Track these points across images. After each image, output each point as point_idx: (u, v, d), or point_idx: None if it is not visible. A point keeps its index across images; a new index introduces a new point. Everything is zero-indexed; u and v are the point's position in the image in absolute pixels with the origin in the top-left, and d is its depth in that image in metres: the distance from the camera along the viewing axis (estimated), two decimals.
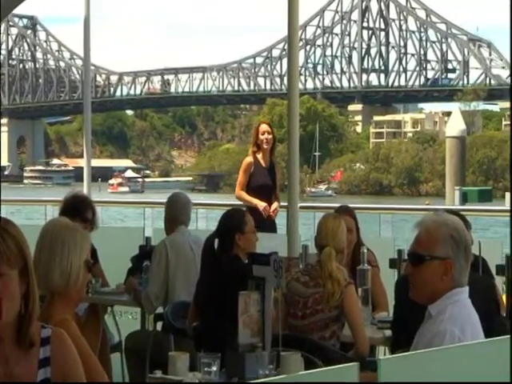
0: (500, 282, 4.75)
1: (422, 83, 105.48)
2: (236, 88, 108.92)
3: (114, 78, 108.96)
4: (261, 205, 6.86)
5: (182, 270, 5.23)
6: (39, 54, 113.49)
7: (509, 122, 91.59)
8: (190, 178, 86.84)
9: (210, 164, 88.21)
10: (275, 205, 6.99)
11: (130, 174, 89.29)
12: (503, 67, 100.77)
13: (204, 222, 8.74)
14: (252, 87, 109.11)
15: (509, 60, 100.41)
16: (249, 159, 7.13)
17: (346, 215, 5.04)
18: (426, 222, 2.92)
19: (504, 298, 4.46)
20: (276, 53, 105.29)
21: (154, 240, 5.97)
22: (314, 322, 4.18)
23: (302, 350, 3.57)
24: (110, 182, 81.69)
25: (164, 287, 5.21)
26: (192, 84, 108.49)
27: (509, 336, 2.36)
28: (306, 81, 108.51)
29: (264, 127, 7.13)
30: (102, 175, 68.94)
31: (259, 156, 7.10)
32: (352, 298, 4.19)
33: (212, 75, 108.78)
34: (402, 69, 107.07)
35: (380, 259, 5.21)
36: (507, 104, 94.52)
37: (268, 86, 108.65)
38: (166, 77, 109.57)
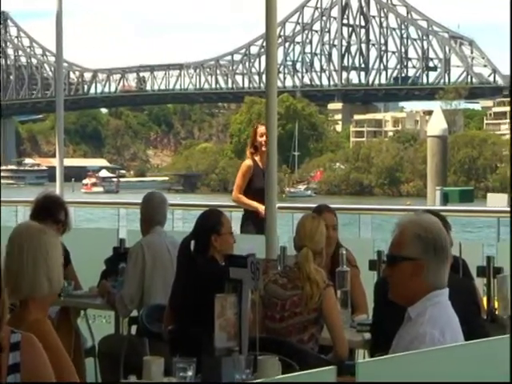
0: (481, 283, 4.79)
1: (402, 81, 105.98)
2: (213, 86, 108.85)
3: (87, 76, 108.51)
4: (261, 208, 6.68)
5: (159, 271, 5.22)
6: (10, 51, 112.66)
7: (491, 121, 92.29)
8: (166, 178, 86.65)
9: (186, 163, 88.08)
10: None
11: (104, 173, 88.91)
12: (485, 65, 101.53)
13: (180, 223, 8.72)
14: (230, 85, 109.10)
15: (491, 58, 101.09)
16: (248, 162, 7.10)
17: (327, 213, 5.05)
18: (400, 223, 2.96)
19: (484, 300, 4.50)
20: (254, 50, 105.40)
21: (128, 242, 5.94)
22: (292, 324, 4.19)
23: (279, 354, 3.58)
24: (84, 181, 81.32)
25: (140, 290, 5.19)
26: (168, 81, 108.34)
27: (489, 339, 2.39)
28: (284, 79, 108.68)
29: (262, 129, 6.97)
30: (75, 175, 68.60)
31: (257, 158, 7.08)
32: (331, 300, 4.20)
33: (189, 72, 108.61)
34: (382, 67, 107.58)
35: (359, 261, 5.23)
36: (489, 103, 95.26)
37: (246, 84, 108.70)
38: (141, 74, 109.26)
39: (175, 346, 4.10)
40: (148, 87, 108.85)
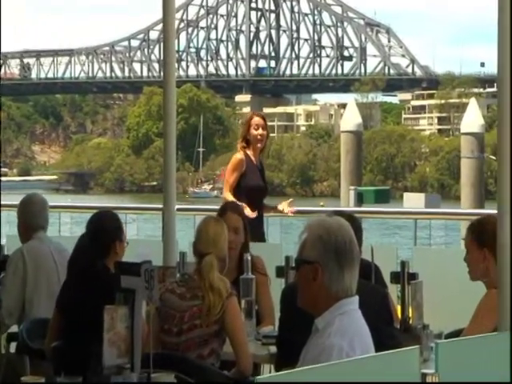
0: (395, 290, 4.89)
1: (316, 72, 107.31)
2: (108, 74, 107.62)
3: None
4: (250, 213, 6.35)
5: (42, 281, 5.14)
6: None
7: (409, 116, 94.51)
8: (55, 177, 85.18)
9: (78, 161, 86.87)
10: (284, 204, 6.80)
11: None
12: (403, 55, 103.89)
13: (68, 227, 8.60)
14: (127, 74, 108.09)
15: (409, 47, 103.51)
16: (240, 156, 6.70)
17: (231, 213, 5.07)
18: (307, 225, 3.01)
19: (398, 308, 4.60)
20: (154, 35, 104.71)
21: (7, 248, 5.83)
22: (191, 338, 4.19)
23: (176, 371, 3.57)
24: None
25: (20, 302, 5.10)
26: (57, 69, 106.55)
27: (400, 350, 2.45)
28: (188, 67, 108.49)
29: (257, 121, 6.69)
30: None
31: (250, 153, 6.70)
32: (234, 310, 4.22)
33: (80, 59, 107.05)
34: (294, 56, 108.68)
35: (267, 267, 5.27)
36: (407, 96, 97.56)
37: (145, 73, 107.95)
38: (25, 60, 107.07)
39: (60, 364, 4.04)
40: (33, 75, 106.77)
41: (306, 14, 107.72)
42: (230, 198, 6.60)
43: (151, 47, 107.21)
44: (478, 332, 3.51)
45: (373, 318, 3.15)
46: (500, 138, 2.84)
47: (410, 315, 4.24)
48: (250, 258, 4.76)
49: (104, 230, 4.52)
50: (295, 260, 3.02)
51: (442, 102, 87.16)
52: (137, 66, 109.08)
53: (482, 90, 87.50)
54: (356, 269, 2.95)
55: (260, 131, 6.64)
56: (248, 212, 6.35)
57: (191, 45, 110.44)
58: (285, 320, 3.96)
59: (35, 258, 5.16)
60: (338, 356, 2.80)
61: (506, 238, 2.83)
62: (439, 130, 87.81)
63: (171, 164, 5.28)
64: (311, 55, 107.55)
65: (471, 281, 4.12)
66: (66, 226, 8.62)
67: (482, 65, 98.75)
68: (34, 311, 5.07)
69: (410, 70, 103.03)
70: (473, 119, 24.80)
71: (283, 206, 6.82)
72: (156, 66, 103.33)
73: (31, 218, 5.27)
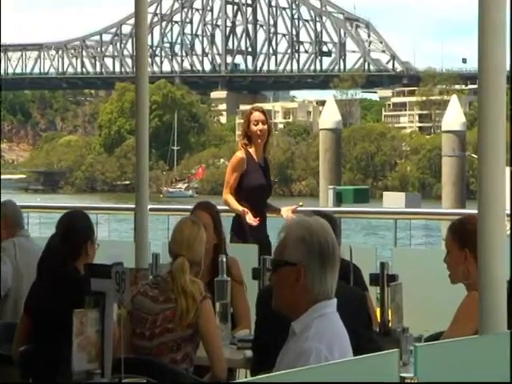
0: (374, 292, 4.91)
1: (293, 68, 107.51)
2: (79, 70, 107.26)
3: None
4: (249, 216, 6.26)
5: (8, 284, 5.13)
6: None
7: (389, 113, 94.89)
8: (23, 176, 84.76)
9: (47, 159, 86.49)
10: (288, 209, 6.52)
11: None
12: (383, 51, 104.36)
13: (37, 228, 8.57)
14: (98, 69, 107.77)
15: (389, 43, 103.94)
16: (240, 155, 6.56)
17: (200, 211, 5.06)
18: (285, 225, 3.01)
19: (378, 311, 4.61)
20: (127, 29, 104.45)
21: None
22: (163, 342, 4.18)
23: (148, 376, 3.57)
24: None
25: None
26: (25, 64, 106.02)
27: (379, 353, 2.45)
28: (162, 63, 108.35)
29: (257, 116, 6.55)
30: None
31: (251, 150, 6.56)
32: (208, 314, 4.21)
33: (50, 54, 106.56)
34: (271, 51, 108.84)
35: (243, 269, 5.28)
36: (387, 92, 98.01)
37: (117, 68, 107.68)
38: None
39: (28, 369, 4.02)
40: (1, 70, 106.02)
41: (284, 8, 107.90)
42: (231, 199, 6.48)
43: (124, 42, 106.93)
44: (459, 335, 3.53)
45: (351, 321, 3.16)
46: (480, 136, 2.85)
47: (390, 318, 4.26)
48: (224, 259, 4.75)
49: (75, 231, 4.51)
50: (274, 261, 3.01)
51: (423, 98, 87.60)
52: (109, 62, 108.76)
53: (463, 86, 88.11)
54: (337, 270, 2.96)
55: (260, 126, 6.51)
56: (250, 219, 6.27)
57: (165, 40, 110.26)
58: (261, 323, 3.95)
59: (26, 254, 5.20)
60: (316, 360, 2.81)
61: (486, 239, 2.85)
62: (420, 128, 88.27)
63: (144, 162, 5.28)
64: (289, 51, 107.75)
65: (452, 284, 4.14)
66: (35, 227, 8.59)
67: (464, 61, 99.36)
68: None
69: (390, 65, 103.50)
70: (454, 117, 24.93)
71: (287, 212, 6.55)
72: (129, 61, 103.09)
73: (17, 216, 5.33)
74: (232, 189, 6.51)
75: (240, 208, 6.37)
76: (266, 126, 6.55)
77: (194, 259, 4.30)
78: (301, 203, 8.24)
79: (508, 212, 5.31)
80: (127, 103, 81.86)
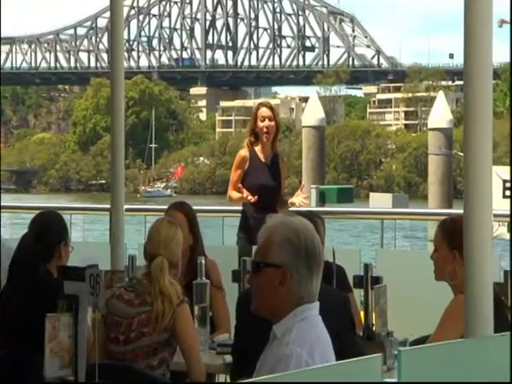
0: (358, 295, 4.92)
1: (275, 63, 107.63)
2: (52, 64, 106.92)
3: None
4: (251, 199, 6.26)
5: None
6: None
7: (374, 110, 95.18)
8: None
9: (20, 157, 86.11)
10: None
11: None
12: (368, 46, 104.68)
13: (8, 229, 8.53)
14: (73, 64, 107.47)
15: (374, 37, 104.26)
16: (243, 153, 6.56)
17: (175, 211, 5.06)
18: (268, 225, 2.99)
19: (362, 313, 4.63)
20: (102, 23, 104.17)
21: None
22: (139, 347, 4.18)
23: (123, 382, 3.56)
24: None
25: None
26: None
27: (361, 358, 2.46)
28: (139, 57, 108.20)
29: (264, 112, 6.50)
30: None
31: (257, 148, 6.53)
32: (185, 317, 4.21)
33: (22, 48, 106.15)
34: (252, 46, 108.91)
35: (223, 271, 5.28)
36: (372, 88, 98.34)
37: (92, 63, 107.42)
38: None
39: None
40: None
41: (266, 2, 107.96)
42: (234, 194, 6.48)
43: (99, 35, 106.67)
44: (445, 339, 3.54)
45: (334, 325, 3.16)
46: (466, 133, 2.86)
47: (374, 321, 4.27)
48: (203, 261, 4.75)
49: (48, 231, 4.49)
50: (256, 263, 2.99)
51: (409, 95, 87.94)
52: (83, 56, 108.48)
53: (450, 82, 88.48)
54: (321, 273, 2.96)
55: (266, 122, 6.45)
56: (252, 200, 6.24)
57: (142, 33, 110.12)
58: (241, 327, 3.95)
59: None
60: (297, 365, 2.81)
61: (472, 240, 2.86)
62: (406, 125, 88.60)
63: (119, 161, 5.27)
64: (271, 45, 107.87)
65: (436, 281, 4.15)
66: (7, 228, 8.55)
67: (451, 56, 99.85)
68: None
69: (375, 61, 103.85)
70: (441, 114, 25.04)
71: (298, 199, 6.53)
72: (104, 55, 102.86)
73: None
74: (235, 187, 6.52)
75: (244, 195, 6.36)
76: (273, 123, 6.50)
77: (172, 260, 4.31)
78: (303, 182, 8.28)
79: (498, 212, 5.35)
80: (103, 99, 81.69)
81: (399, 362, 2.30)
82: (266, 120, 6.46)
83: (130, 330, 4.19)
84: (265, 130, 6.46)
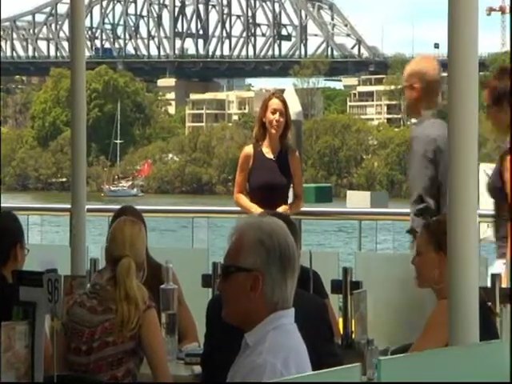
0: (336, 301, 4.94)
1: (249, 53, 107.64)
2: (9, 54, 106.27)
3: None
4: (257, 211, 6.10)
5: None
6: None
7: (355, 103, 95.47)
8: None
9: None
10: (283, 207, 6.29)
11: None
12: (348, 35, 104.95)
13: None
14: (31, 53, 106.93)
15: (355, 26, 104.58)
16: (246, 149, 6.54)
17: (131, 216, 5.06)
18: (238, 227, 2.99)
19: (340, 321, 4.65)
20: (62, 9, 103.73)
21: None
22: (103, 357, 4.18)
23: None
24: None
25: None
26: None
27: (340, 367, 2.47)
28: (102, 46, 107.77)
29: (275, 103, 6.44)
30: None
31: (264, 143, 6.48)
32: (152, 325, 4.21)
33: None
34: (225, 34, 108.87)
35: (191, 275, 5.29)
36: (353, 80, 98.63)
37: (52, 53, 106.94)
38: None
39: None
40: None
41: None
42: (242, 200, 6.46)
43: (59, 22, 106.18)
44: (429, 347, 3.56)
45: (311, 333, 3.18)
46: (450, 128, 2.88)
47: (353, 329, 4.29)
48: (171, 265, 4.76)
49: (2, 232, 4.47)
50: (225, 267, 2.99)
51: (392, 87, 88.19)
52: (43, 45, 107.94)
53: None
54: (296, 277, 2.97)
55: (277, 116, 6.40)
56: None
57: (106, 20, 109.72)
58: (211, 336, 3.96)
59: None
60: (270, 375, 2.81)
61: (457, 242, 2.87)
62: (389, 120, 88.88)
63: (81, 158, 5.26)
64: (244, 34, 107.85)
65: (418, 288, 4.18)
66: None
67: (437, 46, 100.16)
68: None
69: (355, 51, 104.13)
70: None
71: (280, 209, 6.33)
72: (65, 44, 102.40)
73: None
74: (241, 187, 6.52)
75: (252, 208, 6.32)
76: (283, 119, 6.43)
77: (138, 261, 4.31)
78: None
79: (487, 213, 5.40)
80: (63, 91, 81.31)
81: (379, 372, 2.31)
82: (277, 114, 6.41)
83: (92, 339, 4.18)
84: (274, 123, 6.41)
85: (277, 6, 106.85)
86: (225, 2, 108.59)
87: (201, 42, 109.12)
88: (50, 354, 3.55)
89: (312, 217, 7.30)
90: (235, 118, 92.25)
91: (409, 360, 2.43)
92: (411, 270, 4.21)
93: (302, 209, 6.80)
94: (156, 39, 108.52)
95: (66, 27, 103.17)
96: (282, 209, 6.28)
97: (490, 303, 4.23)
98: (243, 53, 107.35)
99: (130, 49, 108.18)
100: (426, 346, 3.71)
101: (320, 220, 11.43)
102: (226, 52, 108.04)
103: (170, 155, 79.62)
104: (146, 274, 4.45)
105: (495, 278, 4.67)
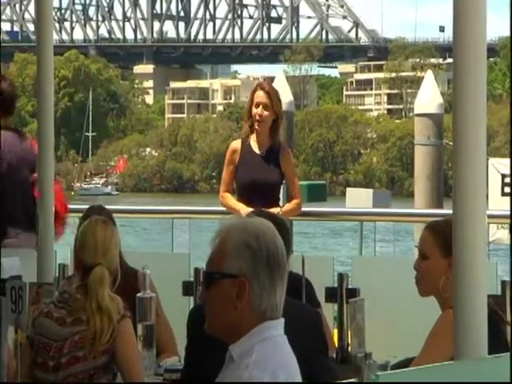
0: (331, 310, 4.95)
1: (236, 37, 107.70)
2: None
3: None
4: (244, 210, 6.13)
5: None
6: None
7: (352, 92, 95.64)
8: None
9: None
10: (275, 210, 6.20)
11: None
12: (344, 17, 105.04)
13: None
14: None
15: (351, 6, 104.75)
16: (235, 144, 6.54)
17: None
18: (222, 229, 2.98)
19: (335, 332, 4.65)
20: None
21: None
22: (72, 374, 4.17)
23: None
24: None
25: None
26: None
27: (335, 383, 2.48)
28: (72, 29, 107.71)
29: (260, 96, 6.42)
30: None
31: (252, 137, 6.48)
32: (127, 337, 4.21)
33: None
34: (208, 16, 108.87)
35: (171, 283, 5.29)
36: (349, 67, 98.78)
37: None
38: None
39: None
40: None
41: None
42: (227, 199, 6.46)
43: (24, 3, 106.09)
44: (432, 361, 3.56)
45: (302, 346, 3.18)
46: (456, 119, 2.87)
47: (349, 341, 4.30)
48: (148, 271, 4.76)
49: None
50: (208, 274, 2.99)
51: (393, 75, 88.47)
52: (6, 27, 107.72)
53: (441, 60, 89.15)
54: (286, 282, 2.96)
55: (259, 110, 6.40)
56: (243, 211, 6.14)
57: (77, 1, 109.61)
58: (192, 349, 3.96)
59: None
60: None
61: (463, 245, 2.88)
62: (389, 111, 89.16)
63: (48, 152, 5.26)
64: (230, 16, 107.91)
65: (421, 296, 4.18)
66: None
67: (442, 29, 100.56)
68: None
69: (353, 35, 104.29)
70: (429, 97, 25.09)
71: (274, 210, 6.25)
72: (31, 26, 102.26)
73: None
74: (228, 185, 6.53)
75: (237, 207, 6.34)
76: (268, 113, 6.41)
77: (111, 267, 4.31)
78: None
79: (496, 213, 5.41)
80: (29, 79, 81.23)
81: None
82: (260, 107, 6.40)
83: (61, 353, 4.18)
84: (257, 117, 6.41)
85: None
86: None
87: (182, 24, 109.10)
88: (13, 370, 3.55)
89: (305, 217, 7.27)
90: (220, 108, 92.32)
91: (410, 375, 2.43)
92: (413, 276, 4.21)
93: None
94: (132, 21, 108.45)
95: (31, 8, 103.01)
96: (273, 211, 6.17)
97: (500, 312, 4.24)
98: (228, 36, 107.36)
99: (104, 32, 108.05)
100: (429, 360, 3.71)
101: (313, 221, 11.46)
102: (210, 36, 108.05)
103: (148, 150, 79.62)
104: (118, 281, 4.45)
105: (505, 284, 4.67)
